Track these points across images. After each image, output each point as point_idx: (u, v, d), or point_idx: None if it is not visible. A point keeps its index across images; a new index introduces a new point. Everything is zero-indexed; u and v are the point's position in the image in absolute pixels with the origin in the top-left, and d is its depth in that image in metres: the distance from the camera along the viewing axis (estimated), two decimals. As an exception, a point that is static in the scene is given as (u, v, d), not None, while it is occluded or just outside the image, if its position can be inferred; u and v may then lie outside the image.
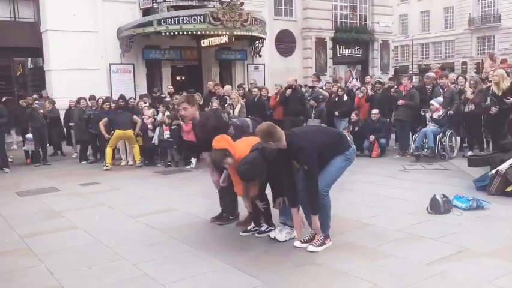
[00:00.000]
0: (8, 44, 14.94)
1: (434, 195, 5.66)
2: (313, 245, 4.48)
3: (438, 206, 5.54)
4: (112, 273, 4.13)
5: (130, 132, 10.20)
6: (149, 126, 10.29)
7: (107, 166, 9.97)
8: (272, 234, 4.88)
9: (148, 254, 4.55)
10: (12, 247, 4.97)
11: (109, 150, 10.15)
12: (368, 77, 13.85)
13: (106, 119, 10.38)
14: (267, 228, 5.03)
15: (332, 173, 4.47)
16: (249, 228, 5.12)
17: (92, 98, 11.43)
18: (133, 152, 10.46)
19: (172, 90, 12.72)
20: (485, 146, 9.80)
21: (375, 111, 10.47)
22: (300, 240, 4.60)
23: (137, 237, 5.15)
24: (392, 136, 11.42)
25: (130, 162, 10.61)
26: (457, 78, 11.22)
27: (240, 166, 4.42)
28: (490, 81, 9.56)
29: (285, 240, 4.74)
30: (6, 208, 6.68)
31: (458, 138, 10.24)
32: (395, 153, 10.37)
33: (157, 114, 10.51)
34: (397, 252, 4.33)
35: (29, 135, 10.79)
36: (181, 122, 9.63)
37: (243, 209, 5.38)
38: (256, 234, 5.02)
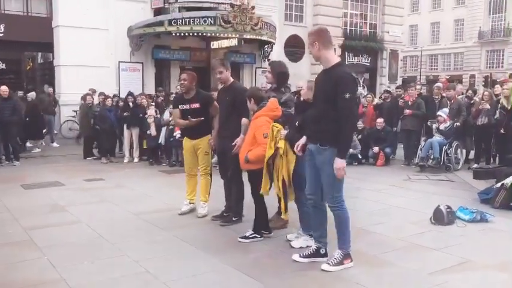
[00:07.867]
0: (20, 38, 15.11)
1: (438, 206, 5.64)
2: (329, 264, 4.10)
3: (441, 217, 5.52)
4: (114, 268, 4.14)
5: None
6: (152, 125, 10.27)
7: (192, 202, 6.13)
8: (289, 236, 4.81)
9: (150, 252, 4.57)
10: (16, 239, 5.00)
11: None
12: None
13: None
14: (251, 235, 4.87)
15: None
16: (247, 234, 4.88)
17: (101, 94, 11.47)
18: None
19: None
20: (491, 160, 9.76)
21: (380, 120, 10.46)
22: (300, 254, 4.30)
23: (140, 234, 5.17)
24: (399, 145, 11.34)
25: (136, 160, 10.64)
26: (467, 90, 11.13)
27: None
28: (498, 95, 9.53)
29: (300, 247, 4.60)
30: (11, 200, 6.72)
31: (464, 151, 10.20)
32: (400, 163, 10.35)
33: (163, 114, 10.52)
34: (399, 261, 4.32)
35: None
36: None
37: (247, 211, 5.40)
38: (239, 239, 4.86)
